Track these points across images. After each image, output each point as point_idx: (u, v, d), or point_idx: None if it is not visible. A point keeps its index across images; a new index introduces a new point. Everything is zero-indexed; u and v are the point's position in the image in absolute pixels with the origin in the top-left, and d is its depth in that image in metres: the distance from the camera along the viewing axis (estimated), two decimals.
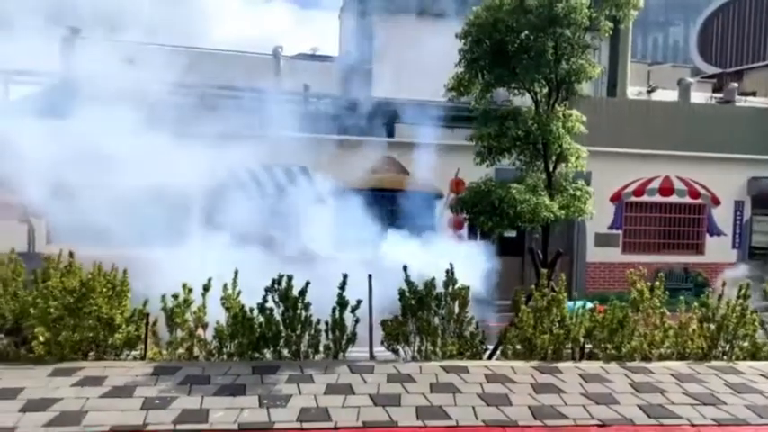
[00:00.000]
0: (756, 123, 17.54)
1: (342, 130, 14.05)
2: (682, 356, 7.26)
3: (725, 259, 17.00)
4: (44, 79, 12.14)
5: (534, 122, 8.71)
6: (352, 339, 6.87)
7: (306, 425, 5.12)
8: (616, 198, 16.85)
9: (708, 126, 17.13)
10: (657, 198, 17.16)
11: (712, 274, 16.60)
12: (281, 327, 6.72)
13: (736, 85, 20.76)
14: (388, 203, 11.99)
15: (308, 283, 6.77)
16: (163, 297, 6.55)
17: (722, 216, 17.57)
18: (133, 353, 6.70)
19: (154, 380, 5.85)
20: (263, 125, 10.78)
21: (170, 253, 7.52)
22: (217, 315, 6.69)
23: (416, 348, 7.01)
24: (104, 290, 6.48)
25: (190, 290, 6.59)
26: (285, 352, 6.74)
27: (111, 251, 7.05)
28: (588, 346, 7.27)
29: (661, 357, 7.21)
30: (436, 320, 7.04)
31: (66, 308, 6.33)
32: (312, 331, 6.79)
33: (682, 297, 7.57)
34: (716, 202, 17.52)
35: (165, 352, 6.65)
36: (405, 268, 7.05)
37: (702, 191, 17.39)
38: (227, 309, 6.69)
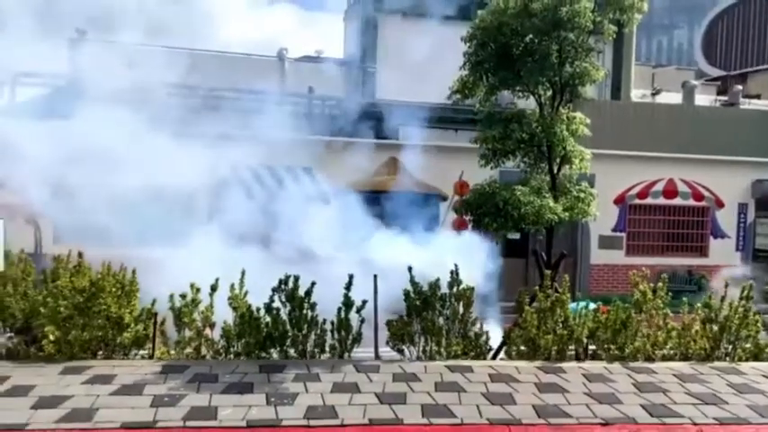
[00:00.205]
0: (761, 126, 17.50)
1: (346, 133, 14.10)
2: (684, 357, 7.29)
3: (728, 262, 16.96)
4: (51, 81, 12.27)
5: (538, 125, 8.77)
6: (358, 339, 6.94)
7: (313, 422, 5.17)
8: (620, 200, 16.86)
9: (712, 128, 17.10)
10: (661, 200, 17.15)
11: (716, 276, 16.58)
12: (288, 326, 6.79)
13: (740, 87, 20.68)
14: (390, 205, 12.01)
15: (313, 284, 6.83)
16: (171, 297, 6.63)
17: (726, 218, 17.55)
18: (141, 352, 6.77)
19: (162, 378, 5.93)
20: (268, 126, 10.85)
21: (177, 253, 7.58)
22: (224, 315, 6.77)
23: (421, 348, 7.06)
24: (113, 289, 6.55)
25: (198, 290, 6.66)
26: (291, 351, 6.80)
27: (118, 251, 7.12)
28: (592, 346, 7.31)
29: (664, 358, 7.25)
30: (441, 321, 7.09)
31: (76, 307, 6.40)
32: (318, 331, 6.86)
33: (685, 298, 7.61)
34: (720, 204, 17.51)
35: (172, 351, 6.73)
36: (410, 269, 7.09)
37: (706, 193, 17.39)
38: (235, 309, 6.76)
